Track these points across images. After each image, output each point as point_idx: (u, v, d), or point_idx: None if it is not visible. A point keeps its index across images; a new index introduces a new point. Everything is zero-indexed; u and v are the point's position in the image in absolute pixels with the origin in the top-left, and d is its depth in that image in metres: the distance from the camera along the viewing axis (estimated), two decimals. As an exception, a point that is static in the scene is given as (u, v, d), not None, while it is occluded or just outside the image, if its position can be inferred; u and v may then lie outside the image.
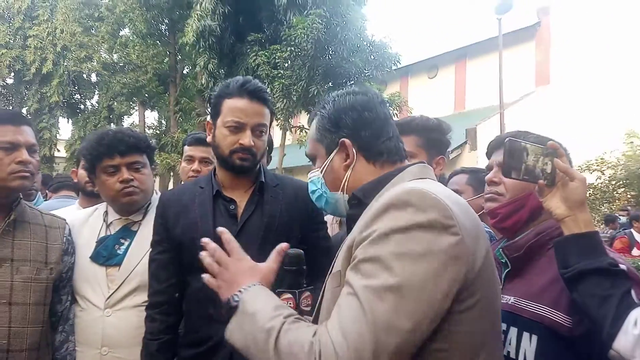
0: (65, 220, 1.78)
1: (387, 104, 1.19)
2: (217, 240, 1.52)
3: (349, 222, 1.09)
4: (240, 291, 0.99)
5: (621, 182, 12.93)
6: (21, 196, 1.64)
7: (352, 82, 10.78)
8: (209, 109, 1.87)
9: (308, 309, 1.13)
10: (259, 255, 1.53)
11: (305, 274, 1.16)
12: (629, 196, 13.08)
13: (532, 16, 15.14)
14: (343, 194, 1.13)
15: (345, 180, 1.11)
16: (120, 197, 1.76)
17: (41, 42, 20.79)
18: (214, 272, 1.07)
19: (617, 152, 13.15)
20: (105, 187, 1.78)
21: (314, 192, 1.20)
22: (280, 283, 1.51)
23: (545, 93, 14.39)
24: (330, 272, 1.03)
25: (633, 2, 13.70)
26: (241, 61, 11.48)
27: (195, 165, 2.52)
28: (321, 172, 1.17)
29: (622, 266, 1.11)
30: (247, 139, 1.57)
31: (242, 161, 1.60)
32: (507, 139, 1.20)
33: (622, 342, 1.02)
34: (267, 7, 11.26)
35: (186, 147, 2.59)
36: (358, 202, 1.07)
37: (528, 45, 15.14)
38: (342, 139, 1.11)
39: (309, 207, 1.65)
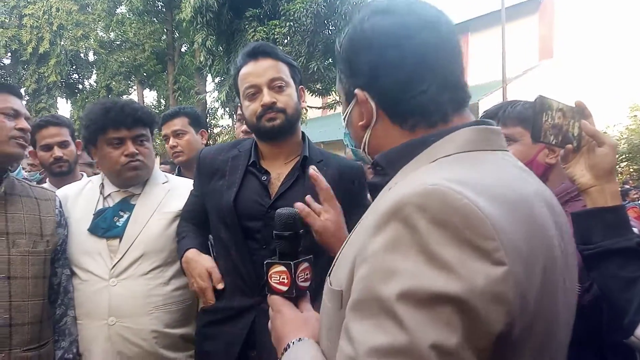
0: (54, 192, 1.76)
1: (447, 25, 0.77)
2: (233, 213, 1.51)
3: (372, 191, 0.85)
4: (285, 349, 0.85)
5: (624, 156, 12.88)
6: (10, 169, 1.62)
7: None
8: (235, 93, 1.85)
9: (306, 284, 0.93)
10: None
11: (303, 239, 0.96)
12: (631, 170, 13.05)
13: (535, -12, 14.84)
14: (366, 153, 0.85)
15: (364, 143, 0.83)
16: (125, 171, 1.73)
17: (37, 21, 20.46)
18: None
19: (621, 125, 13.09)
20: (108, 160, 1.74)
21: (345, 135, 0.99)
22: (271, 252, 1.49)
23: (548, 67, 14.21)
24: (331, 272, 0.78)
25: (639, -28, 13.41)
26: (240, 37, 11.29)
27: (171, 142, 2.54)
28: (344, 122, 0.88)
29: None
30: (266, 97, 1.50)
31: (271, 121, 1.50)
32: (537, 96, 1.05)
33: None
34: (265, -19, 11.05)
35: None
36: (382, 169, 0.81)
37: (531, 18, 14.88)
38: (356, 90, 0.79)
39: (354, 188, 1.58)
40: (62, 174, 2.30)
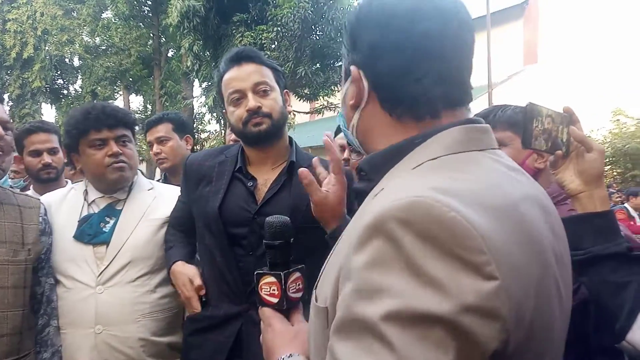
0: (39, 199, 1.71)
1: (462, 20, 0.73)
2: (218, 219, 1.49)
3: (357, 197, 0.85)
4: None
5: (608, 160, 13.08)
6: None
7: (341, 62, 10.68)
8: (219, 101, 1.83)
9: (298, 295, 0.90)
10: None
11: (292, 248, 0.93)
12: (614, 174, 13.25)
13: (520, -6, 15.06)
14: (353, 135, 0.82)
15: (353, 124, 0.80)
16: (110, 172, 1.70)
17: (21, 26, 20.19)
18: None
19: (604, 129, 13.28)
20: (92, 163, 1.71)
21: (340, 115, 0.92)
22: (257, 259, 1.46)
23: (533, 72, 14.39)
24: (316, 286, 0.75)
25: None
26: (227, 42, 11.25)
27: (155, 148, 2.53)
28: (341, 101, 0.86)
29: None
30: (251, 101, 1.49)
31: (257, 126, 1.49)
32: (527, 103, 1.05)
33: (638, 335, 0.95)
34: (252, -14, 11.04)
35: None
36: (366, 174, 0.78)
37: (516, 23, 15.07)
38: (352, 67, 0.76)
39: None
40: (50, 180, 2.26)
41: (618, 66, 14.16)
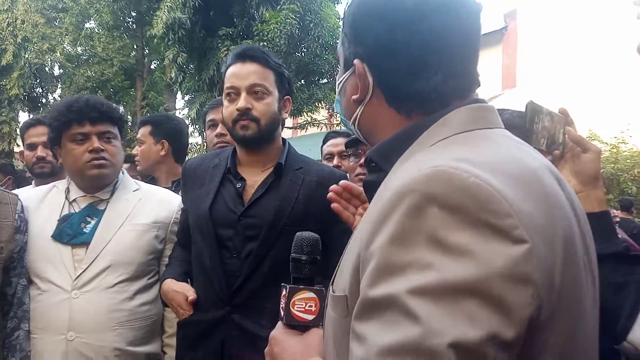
0: (17, 196, 1.64)
1: (470, 7, 0.72)
2: (208, 220, 1.46)
3: (368, 191, 0.78)
4: None
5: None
6: None
7: (325, 79, 10.76)
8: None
9: (307, 317, 0.81)
10: (264, 241, 1.43)
11: (315, 266, 0.86)
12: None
13: (499, 20, 15.50)
14: (355, 127, 0.80)
15: (356, 117, 0.78)
16: (88, 168, 1.63)
17: (0, 33, 19.86)
18: None
19: (580, 154, 13.57)
20: (71, 158, 1.64)
21: (336, 102, 0.89)
22: (241, 261, 1.43)
23: (512, 95, 14.72)
24: (333, 281, 0.73)
25: (597, 7, 14.20)
26: (212, 55, 11.25)
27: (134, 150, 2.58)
28: (338, 88, 0.82)
29: None
30: (241, 102, 1.46)
31: (243, 130, 1.47)
32: (528, 101, 1.05)
33: (638, 334, 0.95)
34: (239, 1, 11.09)
35: None
36: (376, 165, 0.76)
37: (495, 49, 15.47)
38: (355, 61, 0.74)
39: None
40: (43, 175, 2.18)
41: (593, 92, 14.61)
